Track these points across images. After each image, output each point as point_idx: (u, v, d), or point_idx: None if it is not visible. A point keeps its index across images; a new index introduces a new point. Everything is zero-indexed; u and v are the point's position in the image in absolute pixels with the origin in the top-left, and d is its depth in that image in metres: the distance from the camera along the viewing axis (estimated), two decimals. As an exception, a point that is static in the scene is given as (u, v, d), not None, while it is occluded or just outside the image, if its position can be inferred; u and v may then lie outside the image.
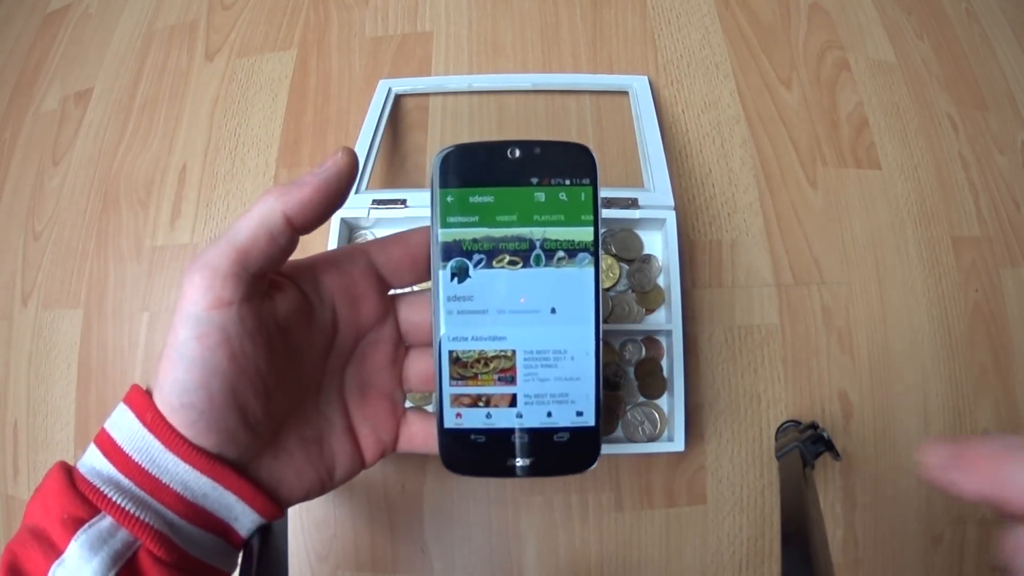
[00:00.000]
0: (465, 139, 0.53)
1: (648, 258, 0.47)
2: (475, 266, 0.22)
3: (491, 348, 0.22)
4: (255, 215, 0.20)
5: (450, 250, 0.22)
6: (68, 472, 0.20)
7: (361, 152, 0.49)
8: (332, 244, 0.45)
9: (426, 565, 0.45)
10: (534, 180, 0.22)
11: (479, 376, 0.23)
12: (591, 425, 0.23)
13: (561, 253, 0.22)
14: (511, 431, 0.23)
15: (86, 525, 0.19)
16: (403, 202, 0.45)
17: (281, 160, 0.54)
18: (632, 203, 0.45)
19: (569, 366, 0.23)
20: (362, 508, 0.45)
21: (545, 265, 0.22)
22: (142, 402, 0.20)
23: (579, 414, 0.23)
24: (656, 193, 0.46)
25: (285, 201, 0.20)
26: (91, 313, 0.53)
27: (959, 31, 0.60)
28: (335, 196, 0.21)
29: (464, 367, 0.23)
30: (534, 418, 0.23)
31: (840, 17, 0.59)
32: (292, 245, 0.21)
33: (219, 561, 0.22)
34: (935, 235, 0.51)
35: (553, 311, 0.22)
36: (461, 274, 0.22)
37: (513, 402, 0.23)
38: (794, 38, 0.57)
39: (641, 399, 0.45)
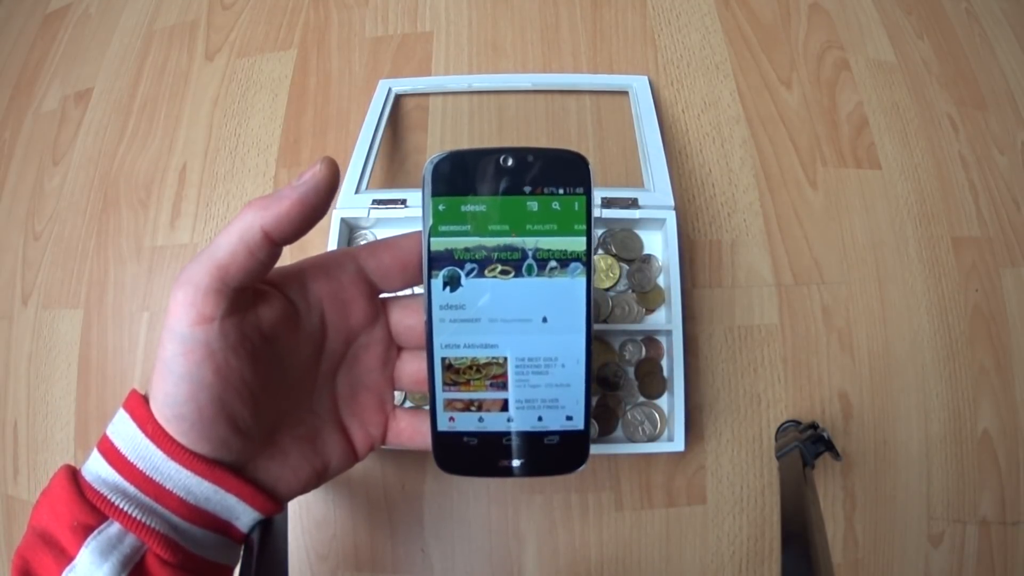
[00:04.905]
0: (465, 139, 0.53)
1: (648, 258, 0.47)
2: (467, 275, 0.22)
3: (483, 355, 0.23)
4: (234, 230, 0.20)
5: (441, 259, 0.22)
6: (75, 478, 0.21)
7: (361, 152, 0.49)
8: (332, 244, 0.45)
9: (426, 565, 0.45)
10: (527, 189, 0.21)
11: (471, 382, 0.23)
12: (580, 429, 0.23)
13: (553, 263, 0.22)
14: (503, 434, 0.23)
15: (95, 532, 0.19)
16: (403, 202, 0.45)
17: (281, 160, 0.54)
18: (632, 203, 0.45)
19: (560, 373, 0.23)
20: (362, 508, 0.45)
21: (537, 275, 0.22)
22: (142, 412, 0.21)
23: (569, 418, 0.23)
24: (656, 193, 0.46)
25: (264, 216, 0.20)
26: (91, 313, 0.53)
27: (959, 31, 0.60)
28: (315, 209, 0.20)
29: (457, 373, 0.23)
30: (525, 422, 0.23)
31: (840, 17, 0.59)
32: (273, 258, 0.21)
33: (221, 556, 0.23)
34: (935, 235, 0.51)
35: (545, 320, 0.22)
36: (453, 283, 0.22)
37: (505, 407, 0.23)
38: (794, 38, 0.57)
39: (641, 399, 0.45)
